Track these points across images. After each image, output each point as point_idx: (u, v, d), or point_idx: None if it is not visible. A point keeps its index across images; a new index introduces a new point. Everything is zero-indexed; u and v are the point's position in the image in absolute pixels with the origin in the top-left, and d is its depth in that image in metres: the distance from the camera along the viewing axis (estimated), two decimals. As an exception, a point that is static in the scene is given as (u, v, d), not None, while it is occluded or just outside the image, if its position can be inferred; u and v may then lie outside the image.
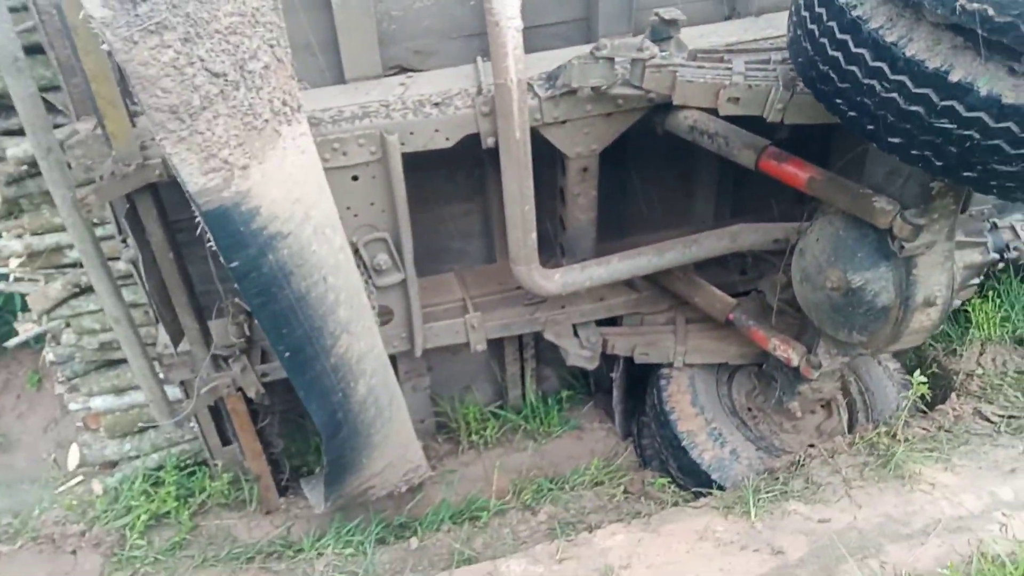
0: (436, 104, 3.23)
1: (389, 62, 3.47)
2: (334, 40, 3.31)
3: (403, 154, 3.26)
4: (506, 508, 4.00)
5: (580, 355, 4.16)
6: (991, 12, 1.99)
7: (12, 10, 2.76)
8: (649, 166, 4.10)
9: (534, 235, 3.43)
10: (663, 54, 3.17)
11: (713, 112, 3.13)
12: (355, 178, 3.26)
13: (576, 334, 4.17)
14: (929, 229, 2.89)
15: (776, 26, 3.43)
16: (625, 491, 4.10)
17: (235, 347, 3.49)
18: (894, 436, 3.58)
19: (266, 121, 2.33)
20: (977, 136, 2.16)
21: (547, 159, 3.65)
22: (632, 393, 4.67)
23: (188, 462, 4.51)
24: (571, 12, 3.57)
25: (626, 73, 3.12)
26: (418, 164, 3.45)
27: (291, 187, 2.45)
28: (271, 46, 2.38)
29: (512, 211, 3.34)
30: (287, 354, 2.68)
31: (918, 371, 3.63)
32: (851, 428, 4.10)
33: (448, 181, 3.92)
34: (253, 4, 2.31)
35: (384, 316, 3.70)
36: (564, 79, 3.17)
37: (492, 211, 4.00)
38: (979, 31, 2.02)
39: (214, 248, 2.36)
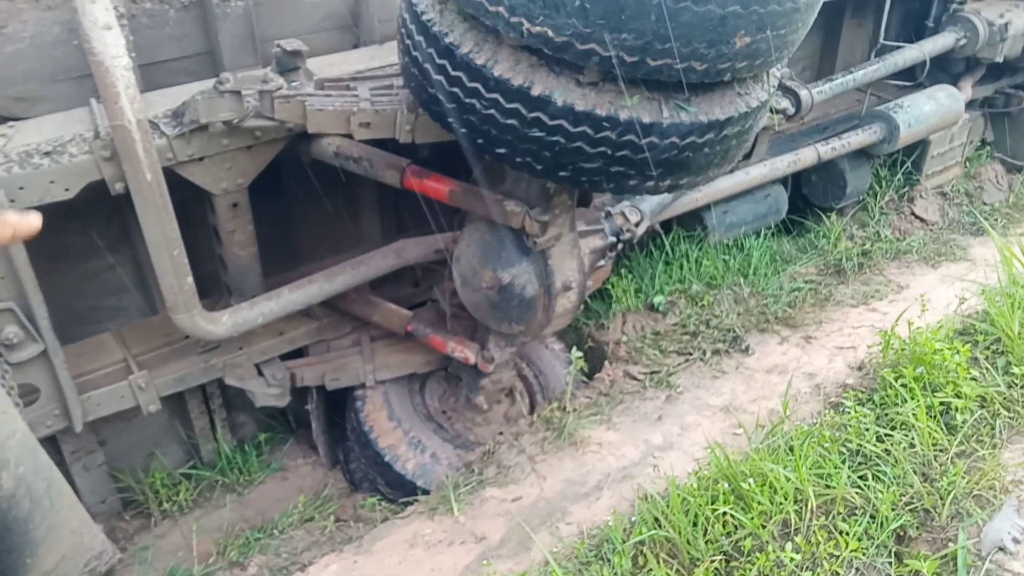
0: (47, 153, 2.94)
1: (-15, 112, 3.09)
2: (-96, 92, 2.87)
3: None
4: (212, 570, 3.74)
5: (268, 394, 4.04)
6: (551, 34, 2.31)
7: None
8: (310, 192, 4.11)
9: (190, 279, 3.27)
10: (293, 84, 3.22)
11: (350, 137, 3.25)
12: (-43, 246, 2.84)
13: (260, 373, 4.05)
14: (553, 223, 3.28)
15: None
16: (337, 520, 4.06)
17: None
18: (564, 409, 3.99)
19: None
20: (562, 141, 2.51)
21: (195, 198, 3.51)
22: (334, 421, 4.65)
23: None
24: (192, 47, 3.47)
25: (256, 105, 3.11)
26: (45, 221, 3.10)
27: None
28: None
29: (160, 258, 3.15)
30: None
31: (575, 348, 4.11)
32: (533, 409, 4.50)
33: (83, 235, 3.57)
34: None
35: (28, 395, 3.28)
36: (191, 115, 3.06)
37: (143, 260, 3.73)
38: (545, 50, 2.34)
39: None
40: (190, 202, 3.52)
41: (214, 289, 3.94)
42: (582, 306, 3.73)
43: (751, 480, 3.07)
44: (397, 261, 3.92)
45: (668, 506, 3.13)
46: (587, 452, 3.74)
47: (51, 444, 3.75)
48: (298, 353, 4.24)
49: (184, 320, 3.35)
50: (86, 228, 3.54)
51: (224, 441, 4.45)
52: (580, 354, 3.93)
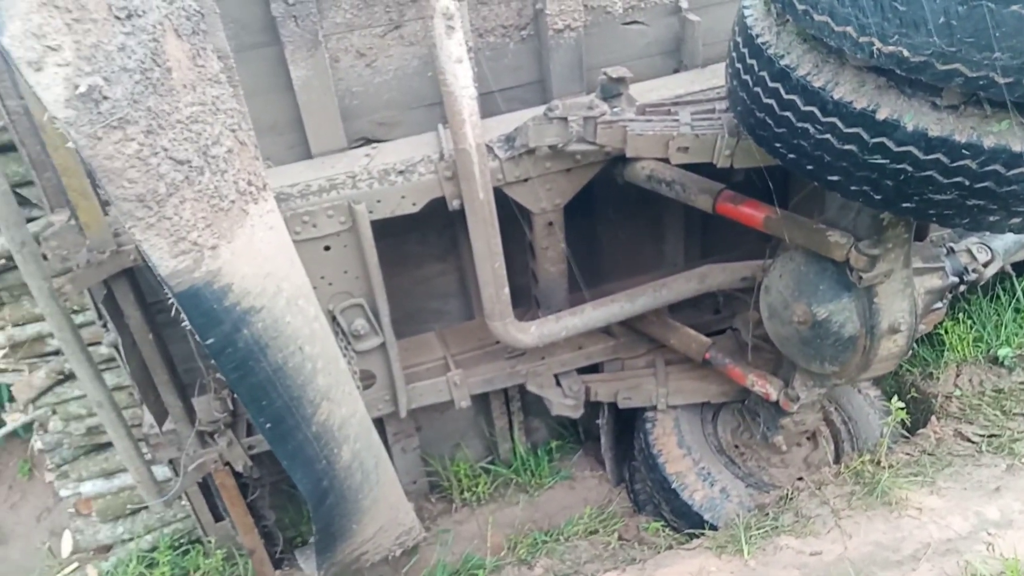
0: (401, 172, 3.34)
1: (354, 135, 3.60)
2: (298, 119, 3.44)
3: (373, 221, 3.36)
4: (502, 564, 3.98)
5: (564, 404, 4.20)
6: (906, 53, 2.11)
7: (-19, 112, 2.87)
8: (618, 214, 4.22)
9: (506, 290, 3.52)
10: (615, 110, 3.31)
11: (666, 161, 3.25)
12: (327, 248, 3.35)
13: (558, 384, 4.22)
14: (884, 258, 2.98)
15: (720, 76, 3.58)
16: (620, 538, 4.10)
17: (220, 422, 3.53)
18: (878, 463, 3.61)
19: (232, 202, 2.41)
20: (910, 169, 2.27)
21: (515, 216, 3.76)
22: (622, 438, 4.70)
23: (182, 541, 4.49)
24: (526, 76, 3.72)
25: (580, 130, 3.25)
26: (390, 230, 3.55)
27: (261, 262, 2.52)
28: (233, 131, 2.49)
29: (483, 269, 3.43)
30: (268, 425, 2.72)
31: (896, 397, 3.70)
32: (838, 458, 4.13)
33: (421, 244, 4.02)
34: (212, 93, 2.43)
35: (366, 380, 3.75)
36: (522, 140, 3.29)
37: (466, 270, 4.09)
38: (897, 71, 2.14)
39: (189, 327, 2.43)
40: (509, 219, 3.78)
41: (524, 301, 4.19)
42: (909, 351, 3.34)
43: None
44: (700, 286, 3.85)
45: (1005, 595, 2.69)
46: (904, 516, 3.34)
47: (378, 425, 4.27)
48: (594, 368, 4.35)
49: (498, 327, 3.61)
50: (424, 238, 3.97)
51: (520, 442, 4.72)
52: (902, 405, 3.53)
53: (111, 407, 3.30)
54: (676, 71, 3.90)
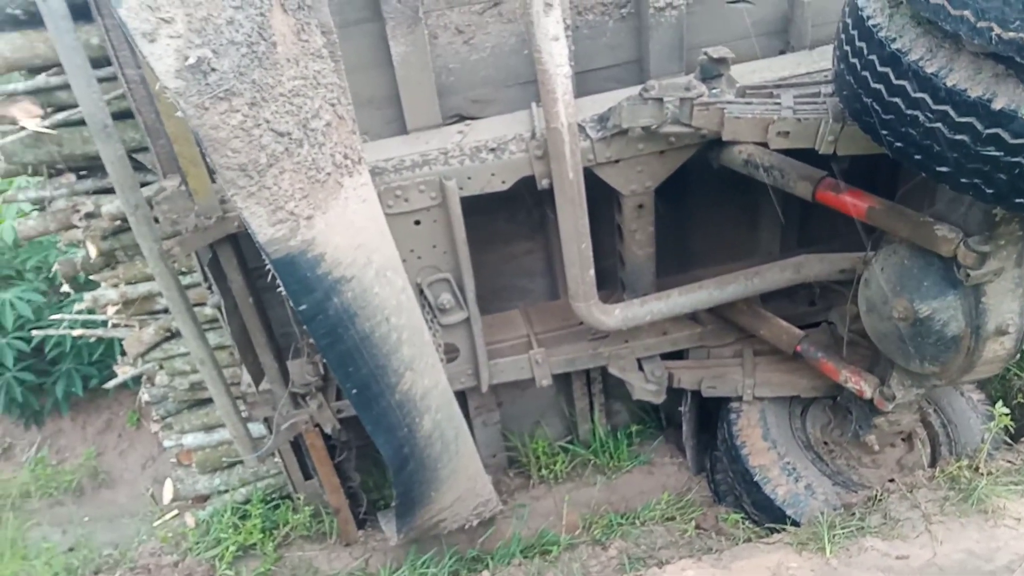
0: (492, 150, 3.37)
1: (448, 112, 3.65)
2: (396, 95, 3.51)
3: (463, 198, 3.41)
4: (576, 542, 4.02)
5: (646, 389, 4.17)
6: (1031, 38, 1.97)
7: (103, 80, 3.05)
8: (711, 200, 4.12)
9: (592, 272, 3.50)
10: (713, 91, 3.23)
11: (765, 146, 3.15)
12: (417, 223, 3.42)
13: (641, 368, 4.19)
14: (996, 256, 2.80)
15: (828, 59, 3.43)
16: (697, 527, 4.05)
17: (311, 385, 3.68)
18: (976, 469, 3.43)
19: (328, 174, 2.50)
20: (1027, 162, 2.13)
21: (605, 197, 3.73)
22: (705, 427, 4.63)
23: (273, 496, 4.72)
24: (623, 55, 3.67)
25: (676, 112, 3.19)
26: (481, 207, 3.59)
27: (353, 234, 2.61)
28: (332, 105, 2.57)
29: (569, 249, 3.43)
30: (354, 391, 2.82)
31: (1001, 402, 3.49)
32: (934, 462, 3.94)
33: (509, 222, 4.04)
34: (314, 67, 2.51)
35: (449, 354, 3.83)
36: (615, 120, 3.25)
37: (553, 249, 4.10)
38: (1017, 59, 2.00)
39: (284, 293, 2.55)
40: (598, 201, 3.75)
41: (610, 283, 4.16)
42: (1017, 355, 3.14)
43: None
44: (795, 276, 3.72)
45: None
46: (1000, 525, 3.17)
47: (461, 399, 4.35)
48: (678, 355, 4.29)
49: (582, 308, 3.61)
50: (513, 217, 4.00)
51: (599, 424, 4.72)
52: (1006, 410, 3.33)
53: (212, 365, 3.49)
54: (782, 52, 3.76)
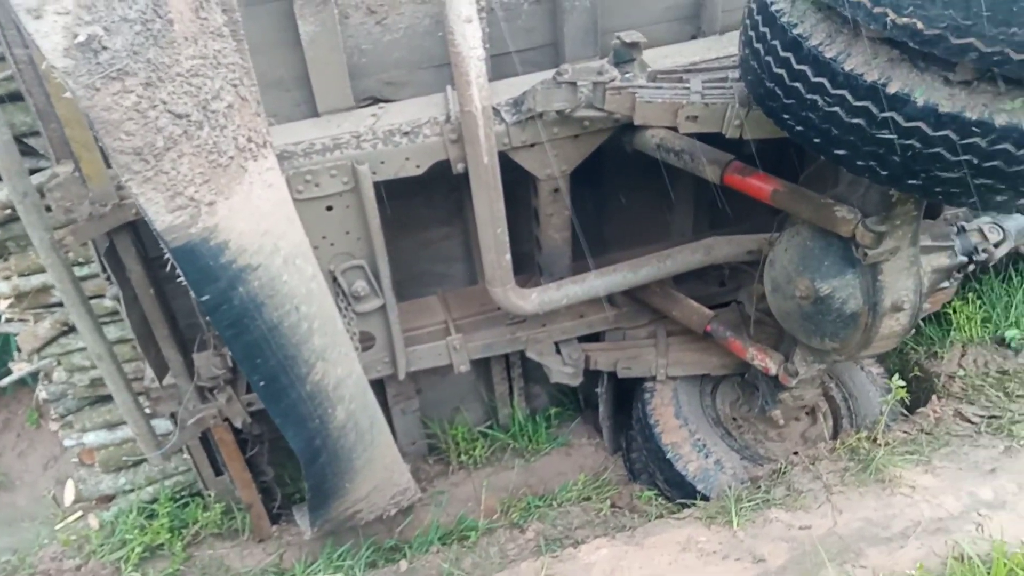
0: (406, 133, 3.31)
1: (361, 94, 3.56)
2: (306, 76, 3.40)
3: (377, 182, 3.34)
4: (495, 527, 4.03)
5: (563, 372, 4.21)
6: (921, 25, 2.05)
7: (-10, 60, 2.86)
8: (627, 183, 4.17)
9: (508, 256, 3.50)
10: (626, 76, 3.26)
11: (675, 130, 3.20)
12: (329, 208, 3.33)
13: (558, 351, 4.22)
14: (892, 236, 2.94)
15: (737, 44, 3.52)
16: (612, 505, 4.13)
17: (219, 378, 3.55)
18: (875, 440, 3.60)
19: (231, 158, 2.40)
20: (918, 145, 2.22)
21: (521, 181, 3.73)
22: (622, 408, 4.72)
23: (182, 493, 4.56)
24: (539, 38, 3.65)
25: (589, 96, 3.20)
26: (396, 191, 3.53)
27: (259, 220, 2.52)
28: (234, 86, 2.47)
29: (485, 234, 3.41)
30: (261, 383, 2.74)
31: (897, 375, 3.68)
32: (836, 434, 4.13)
33: (427, 207, 3.99)
34: (215, 47, 2.40)
35: (365, 342, 3.76)
36: (529, 104, 3.25)
37: (472, 234, 4.06)
38: (910, 44, 2.09)
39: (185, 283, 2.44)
40: (515, 185, 3.75)
41: (528, 267, 4.17)
42: (912, 330, 3.31)
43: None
44: (705, 258, 3.82)
45: (989, 574, 2.69)
46: (896, 493, 3.34)
47: (378, 387, 4.30)
48: (595, 337, 4.35)
49: (498, 293, 3.60)
50: (430, 201, 3.95)
51: (519, 408, 4.75)
52: (903, 383, 3.50)
53: (111, 360, 3.32)
54: (694, 37, 3.83)
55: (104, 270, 3.40)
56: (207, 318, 3.22)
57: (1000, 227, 3.55)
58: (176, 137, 2.22)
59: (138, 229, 3.21)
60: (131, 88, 2.12)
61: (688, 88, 3.13)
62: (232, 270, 2.42)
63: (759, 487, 3.56)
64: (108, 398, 4.38)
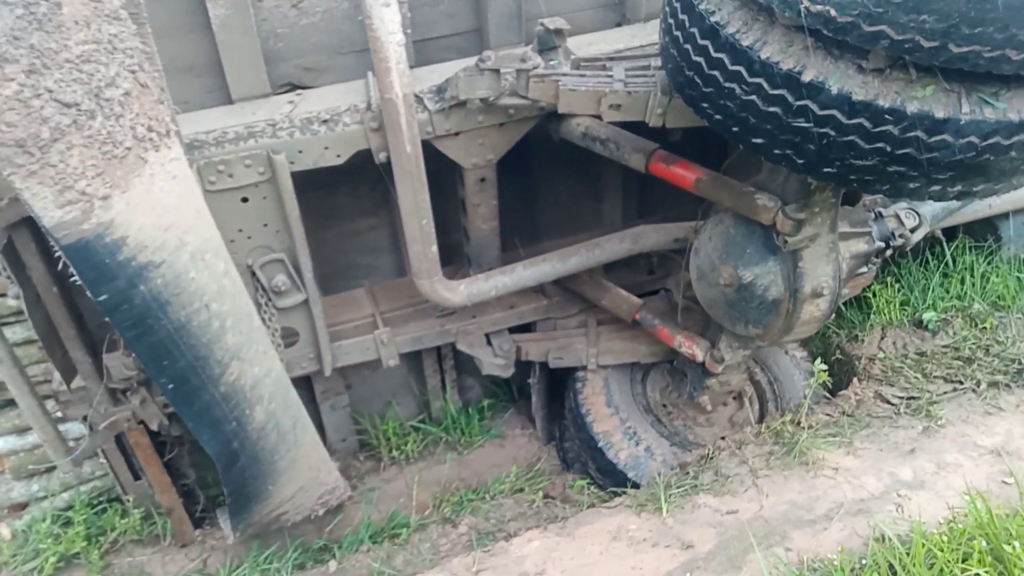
0: (324, 121, 3.20)
1: (279, 80, 3.42)
2: (217, 61, 3.25)
3: (297, 172, 3.22)
4: (427, 522, 3.97)
5: (494, 364, 4.16)
6: (834, 13, 2.05)
7: None
8: (555, 172, 4.14)
9: (434, 248, 3.42)
10: (551, 63, 3.21)
11: (599, 119, 3.17)
12: (245, 200, 3.20)
13: (489, 343, 4.17)
14: (810, 223, 2.97)
15: (659, 31, 3.51)
16: (545, 496, 4.12)
17: (132, 379, 3.39)
18: (798, 424, 3.66)
19: (128, 149, 2.26)
20: (832, 133, 2.23)
21: (447, 170, 3.65)
22: (554, 397, 4.70)
23: (100, 499, 4.35)
24: (463, 24, 3.58)
25: (513, 84, 3.14)
26: (319, 181, 3.41)
27: (161, 214, 2.38)
28: (133, 72, 2.32)
29: (410, 225, 3.32)
30: (170, 386, 2.60)
31: (819, 359, 3.75)
32: (762, 418, 4.20)
33: (351, 197, 3.88)
34: (110, 31, 2.25)
35: (288, 338, 3.64)
36: (452, 91, 3.17)
37: (399, 225, 3.97)
38: (824, 31, 2.09)
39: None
40: (441, 174, 3.67)
41: (457, 258, 4.10)
42: (833, 315, 3.37)
43: (1016, 544, 2.61)
44: (633, 247, 3.82)
45: (908, 554, 2.76)
46: (819, 475, 3.41)
47: (305, 383, 4.18)
48: (526, 328, 4.32)
49: (425, 285, 3.52)
50: (355, 191, 3.84)
51: (452, 401, 4.68)
52: (824, 366, 3.58)
53: (12, 363, 3.14)
54: (619, 24, 3.80)
55: (4, 268, 3.20)
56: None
57: (916, 212, 3.64)
58: (64, 128, 2.07)
59: (38, 225, 3.01)
60: (12, 76, 1.97)
61: (611, 76, 3.10)
62: (132, 268, 2.29)
63: (688, 473, 3.59)
64: (15, 402, 4.15)
